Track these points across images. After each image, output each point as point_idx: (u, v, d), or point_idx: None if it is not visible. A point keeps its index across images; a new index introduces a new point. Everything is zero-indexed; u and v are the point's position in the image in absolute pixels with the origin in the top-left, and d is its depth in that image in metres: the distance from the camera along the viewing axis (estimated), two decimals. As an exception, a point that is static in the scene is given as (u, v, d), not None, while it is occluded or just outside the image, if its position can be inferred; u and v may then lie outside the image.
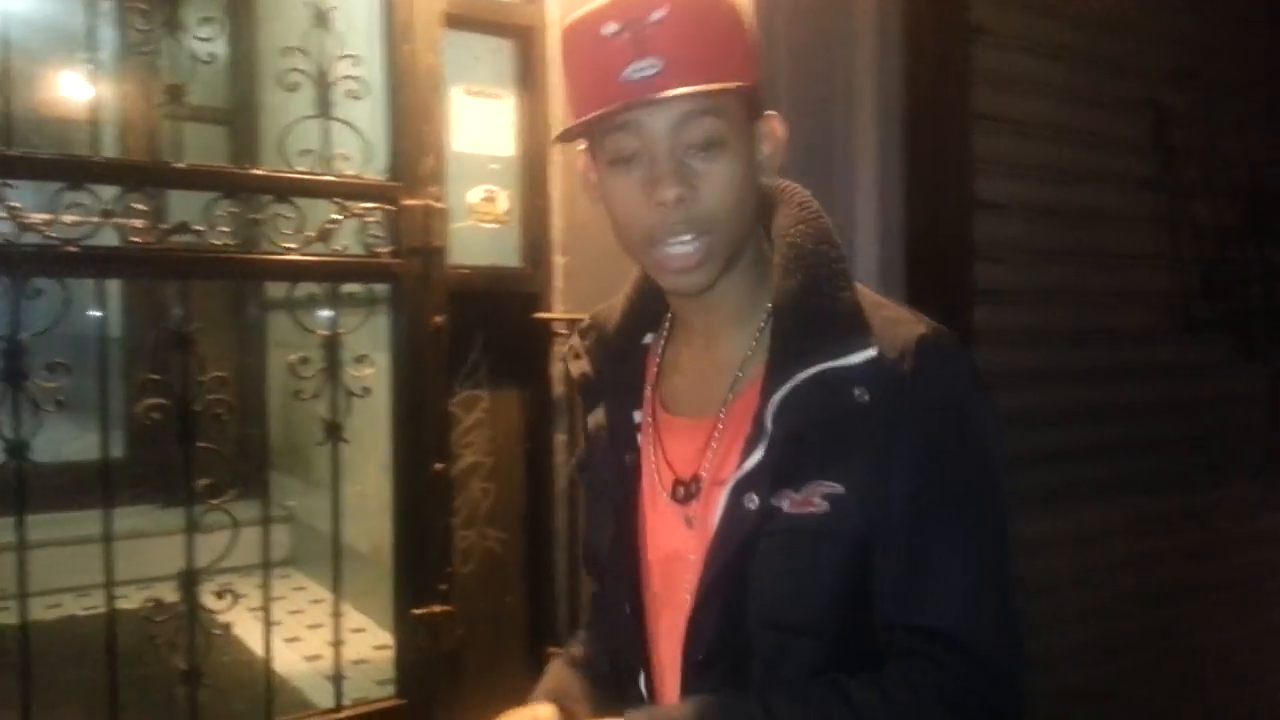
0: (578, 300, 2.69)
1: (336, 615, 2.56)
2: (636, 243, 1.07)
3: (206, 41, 2.26)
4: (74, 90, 5.54)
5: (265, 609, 2.45)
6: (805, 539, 1.01)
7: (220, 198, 2.28)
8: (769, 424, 1.03)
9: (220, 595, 2.33)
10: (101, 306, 2.48)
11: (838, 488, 1.00)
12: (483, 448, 2.68)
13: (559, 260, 2.72)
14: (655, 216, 1.03)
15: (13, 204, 2.06)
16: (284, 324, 3.69)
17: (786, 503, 1.02)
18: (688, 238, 1.03)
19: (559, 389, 2.72)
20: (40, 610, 3.99)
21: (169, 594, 2.35)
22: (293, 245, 2.35)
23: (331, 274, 2.43)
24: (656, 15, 0.99)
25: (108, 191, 2.16)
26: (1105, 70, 3.44)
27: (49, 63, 5.35)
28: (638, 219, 1.04)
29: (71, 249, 2.10)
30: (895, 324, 1.05)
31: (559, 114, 2.67)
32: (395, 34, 2.41)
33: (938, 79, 2.65)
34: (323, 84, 2.39)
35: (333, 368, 2.47)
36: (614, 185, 1.06)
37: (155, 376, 2.28)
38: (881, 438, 1.01)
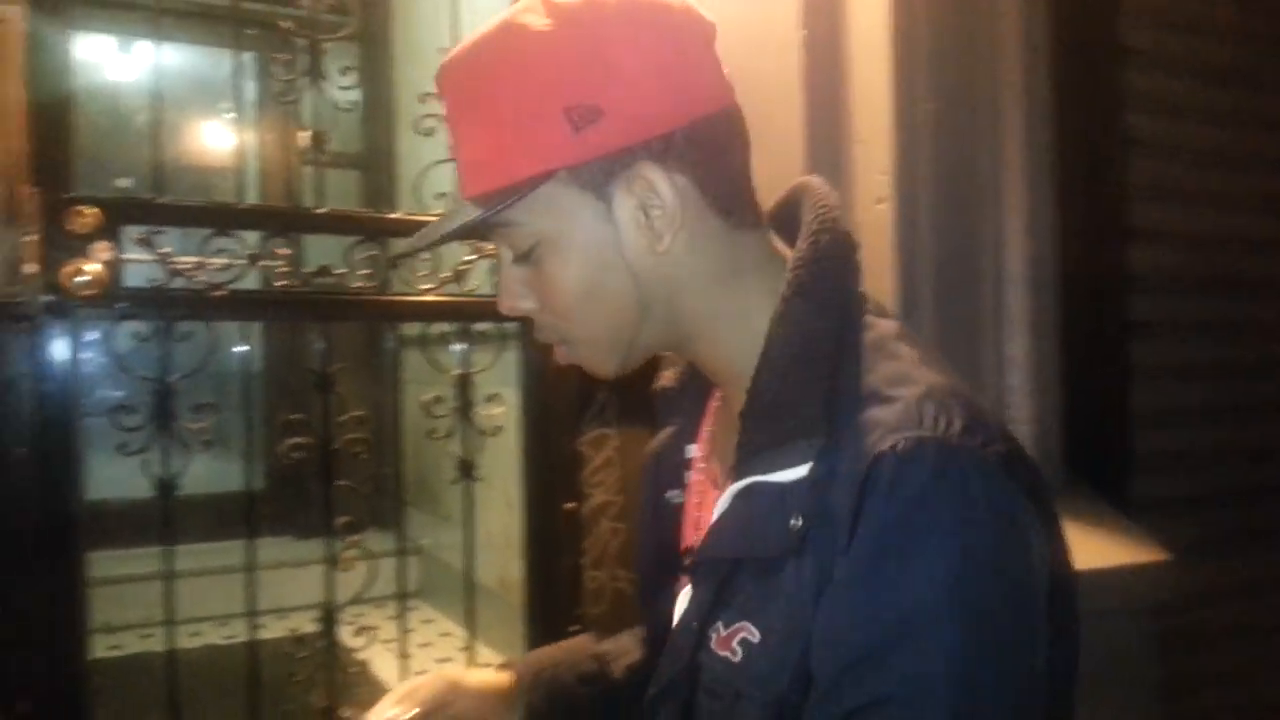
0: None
1: (469, 650, 2.55)
2: None
3: (346, 90, 2.31)
4: (217, 139, 5.82)
5: (402, 645, 2.46)
6: (726, 689, 0.84)
7: (360, 241, 2.32)
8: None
9: (359, 633, 2.35)
10: (244, 347, 2.55)
11: (754, 635, 0.82)
12: (612, 487, 2.64)
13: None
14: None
15: (163, 250, 2.13)
16: (417, 362, 3.76)
17: (714, 637, 0.85)
18: (556, 341, 0.94)
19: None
20: (184, 638, 4.13)
21: (306, 624, 2.38)
22: (428, 286, 2.37)
23: (465, 314, 2.45)
24: (446, 107, 0.90)
25: (252, 237, 2.22)
26: (1266, 91, 3.23)
27: (194, 113, 5.65)
28: None
29: (218, 293, 2.16)
30: (874, 426, 0.77)
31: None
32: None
33: (1087, 102, 2.52)
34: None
35: (465, 407, 2.48)
36: None
37: (297, 417, 2.32)
38: (810, 587, 0.77)
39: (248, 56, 5.60)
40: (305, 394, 2.36)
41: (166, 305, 2.12)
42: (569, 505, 2.50)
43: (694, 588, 0.91)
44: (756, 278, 0.92)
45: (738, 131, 0.94)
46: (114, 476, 2.51)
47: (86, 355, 2.11)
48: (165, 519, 2.15)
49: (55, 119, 2.05)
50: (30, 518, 2.00)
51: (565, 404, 2.50)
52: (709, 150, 0.89)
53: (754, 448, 0.83)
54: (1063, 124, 2.44)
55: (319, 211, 2.28)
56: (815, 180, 0.99)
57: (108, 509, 3.32)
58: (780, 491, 0.81)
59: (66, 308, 2.04)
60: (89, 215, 2.04)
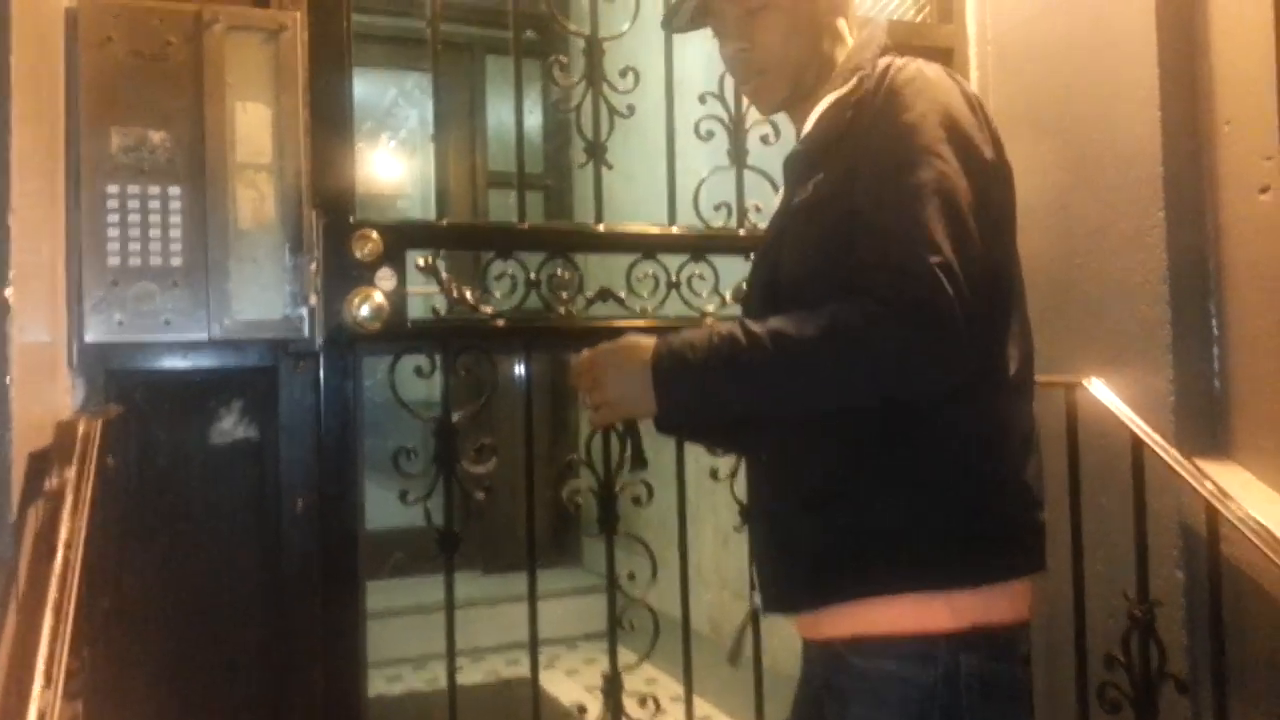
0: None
1: (688, 702, 2.25)
2: None
3: (624, 94, 2.08)
4: (385, 163, 5.75)
5: (688, 706, 2.20)
6: (801, 215, 1.26)
7: (639, 259, 2.09)
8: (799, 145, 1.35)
9: (643, 702, 2.10)
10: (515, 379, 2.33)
11: (819, 174, 1.24)
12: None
13: (985, 313, 2.37)
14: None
15: (443, 276, 1.93)
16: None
17: (797, 195, 1.28)
18: (755, 73, 1.34)
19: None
20: (381, 683, 3.97)
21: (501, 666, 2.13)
22: (709, 308, 2.13)
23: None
24: None
25: (530, 259, 2.02)
26: None
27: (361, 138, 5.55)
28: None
29: (499, 322, 1.96)
30: (885, 63, 1.25)
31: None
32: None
33: None
34: (739, 131, 2.17)
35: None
36: None
37: (577, 457, 2.09)
38: (855, 139, 1.21)
39: (419, 77, 5.53)
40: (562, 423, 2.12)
41: (449, 337, 1.92)
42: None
43: (786, 184, 1.36)
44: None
45: None
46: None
47: (365, 388, 1.93)
48: (448, 573, 1.95)
49: (336, 136, 1.87)
50: (312, 557, 1.83)
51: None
52: None
53: (834, 83, 1.29)
54: None
55: (603, 230, 2.06)
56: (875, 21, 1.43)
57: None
58: (841, 96, 1.26)
59: (347, 342, 1.86)
60: (374, 240, 1.86)
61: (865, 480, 1.18)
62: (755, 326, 1.15)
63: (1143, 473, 1.93)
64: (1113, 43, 2.07)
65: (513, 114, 2.06)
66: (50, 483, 1.25)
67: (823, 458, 1.20)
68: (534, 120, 5.14)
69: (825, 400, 1.16)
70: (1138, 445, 1.92)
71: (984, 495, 1.17)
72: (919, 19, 2.39)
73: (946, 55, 2.35)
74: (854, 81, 1.24)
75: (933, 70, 1.22)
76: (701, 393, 1.19)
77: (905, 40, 2.32)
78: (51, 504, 1.22)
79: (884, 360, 1.11)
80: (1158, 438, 1.88)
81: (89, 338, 1.70)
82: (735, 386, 1.17)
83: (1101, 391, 1.98)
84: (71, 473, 1.25)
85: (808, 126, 1.31)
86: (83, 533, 1.19)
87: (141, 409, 1.78)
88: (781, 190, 1.38)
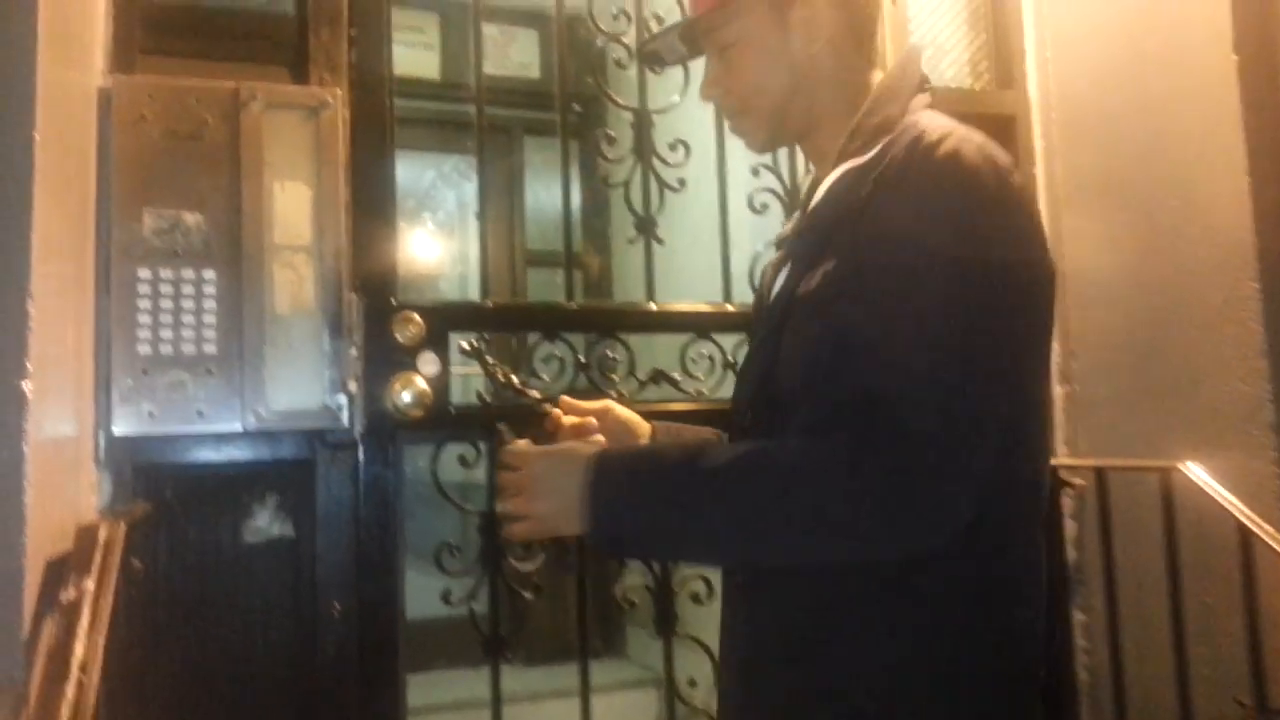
0: (1088, 439, 2.18)
1: None
2: None
3: (674, 168, 2.00)
4: (424, 244, 5.73)
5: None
6: (804, 308, 1.09)
7: (693, 339, 1.98)
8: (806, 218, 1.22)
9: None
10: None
11: (830, 263, 1.08)
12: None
13: (1058, 391, 2.23)
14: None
15: (488, 360, 1.82)
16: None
17: (804, 284, 1.11)
18: (732, 115, 1.26)
19: (1074, 553, 2.20)
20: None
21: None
22: (768, 389, 2.01)
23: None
24: None
25: (577, 340, 1.91)
26: None
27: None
28: None
29: (547, 407, 1.84)
30: (914, 129, 1.09)
31: (1056, 214, 2.24)
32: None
33: None
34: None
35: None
36: None
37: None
38: (871, 223, 1.06)
39: (457, 160, 5.58)
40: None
41: (489, 422, 1.80)
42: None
43: (792, 263, 1.18)
44: (860, 90, 1.20)
45: None
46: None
47: (404, 476, 1.81)
48: (495, 682, 1.81)
49: (377, 215, 1.78)
50: (349, 664, 1.69)
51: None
52: None
53: (848, 153, 1.14)
54: None
55: (654, 308, 1.95)
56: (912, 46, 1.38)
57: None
58: (859, 168, 1.12)
59: (388, 431, 1.74)
60: (416, 323, 1.76)
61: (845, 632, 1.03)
62: (712, 459, 1.02)
63: (1253, 565, 1.77)
64: (1191, 106, 1.96)
65: (550, 194, 1.97)
66: (66, 595, 1.13)
67: (796, 596, 1.05)
68: (574, 198, 5.10)
69: (781, 561, 1.04)
70: (1245, 534, 1.75)
71: (987, 651, 1.02)
72: (977, 86, 2.29)
73: (1008, 123, 2.25)
74: (875, 151, 1.11)
75: (971, 149, 1.04)
76: (637, 528, 1.05)
77: (964, 108, 2.22)
78: (67, 619, 1.10)
79: (855, 531, 0.96)
80: (1268, 528, 1.72)
81: (117, 430, 1.60)
82: (679, 530, 1.03)
83: (1200, 476, 1.83)
84: (90, 584, 1.14)
85: (819, 195, 1.19)
86: (100, 651, 1.06)
87: (171, 506, 1.67)
88: (788, 265, 1.19)
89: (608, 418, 1.34)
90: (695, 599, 1.91)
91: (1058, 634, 2.20)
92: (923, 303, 0.97)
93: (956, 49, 2.28)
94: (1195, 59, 1.96)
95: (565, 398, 1.37)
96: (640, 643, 4.65)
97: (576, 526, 1.05)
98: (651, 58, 1.41)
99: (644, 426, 1.35)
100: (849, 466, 0.94)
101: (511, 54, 4.76)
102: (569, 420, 1.33)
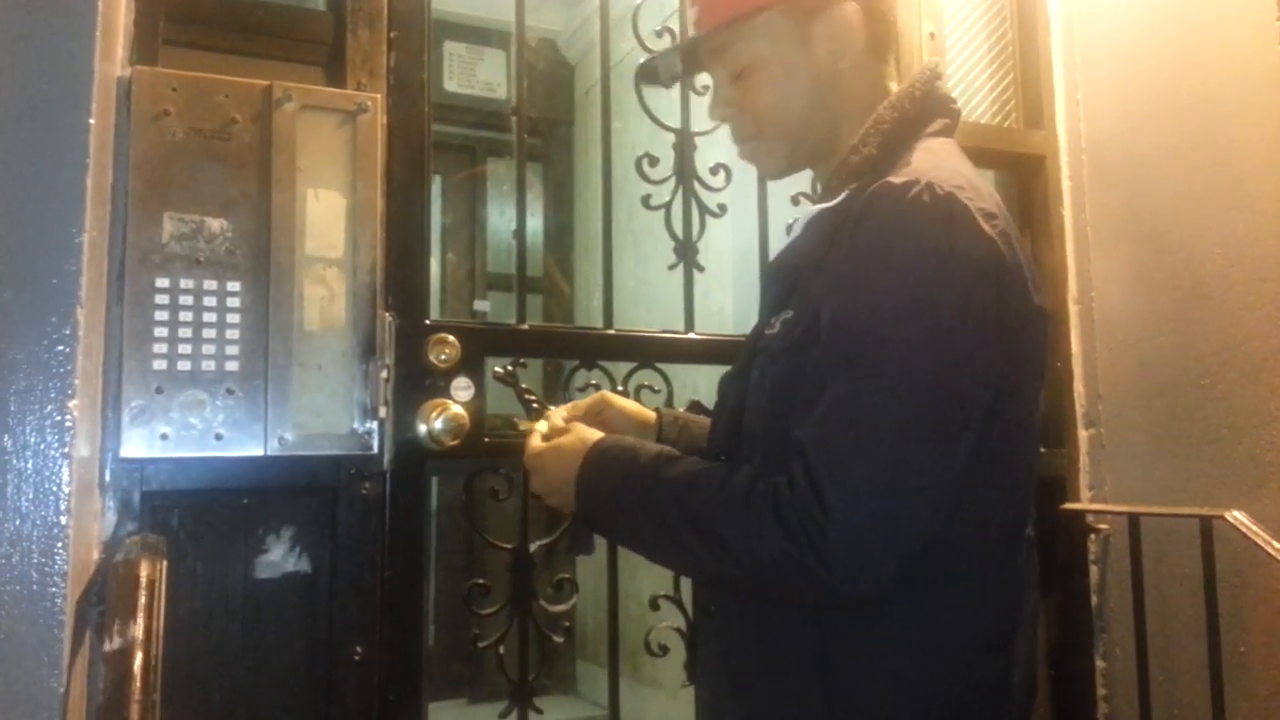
0: (1114, 483, 2.15)
1: None
2: None
3: (717, 192, 1.92)
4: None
5: None
6: (768, 353, 1.10)
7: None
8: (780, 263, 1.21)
9: None
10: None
11: (789, 314, 1.09)
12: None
13: (1083, 434, 2.20)
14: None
15: (523, 387, 1.72)
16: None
17: (768, 328, 1.13)
18: (746, 140, 1.22)
19: (1096, 599, 2.16)
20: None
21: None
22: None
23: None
24: None
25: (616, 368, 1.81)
26: None
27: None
28: None
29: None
30: (889, 173, 1.06)
31: (1084, 257, 2.22)
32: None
33: None
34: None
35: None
36: None
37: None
38: (822, 277, 1.05)
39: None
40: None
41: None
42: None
43: (761, 304, 1.22)
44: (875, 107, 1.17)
45: None
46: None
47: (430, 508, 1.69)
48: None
49: (413, 228, 1.67)
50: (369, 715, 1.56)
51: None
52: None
53: (829, 190, 1.14)
54: None
55: (695, 337, 1.86)
56: (932, 62, 1.25)
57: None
58: (831, 210, 1.12)
59: (418, 459, 1.62)
60: (451, 345, 1.64)
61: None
62: (673, 467, 1.09)
63: (1302, 618, 1.74)
64: (1232, 150, 1.95)
65: (507, 218, 1.87)
66: (111, 644, 0.99)
67: (743, 631, 1.11)
68: (535, 223, 5.04)
69: (695, 575, 1.21)
70: (1295, 586, 1.73)
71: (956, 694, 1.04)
72: (1005, 124, 2.27)
73: (1038, 163, 2.23)
74: (844, 196, 1.10)
75: (931, 199, 1.00)
76: (603, 512, 1.17)
77: (992, 145, 2.20)
78: (117, 673, 0.96)
79: (749, 570, 1.01)
80: (1322, 579, 1.70)
81: (125, 453, 1.45)
82: (625, 523, 1.14)
83: (1246, 524, 1.80)
84: (138, 630, 1.00)
85: (795, 232, 1.19)
86: (158, 711, 0.93)
87: (179, 537, 1.52)
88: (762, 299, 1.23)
89: (607, 411, 1.42)
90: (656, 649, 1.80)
91: (1077, 679, 2.16)
92: (866, 379, 0.97)
93: (985, 87, 2.26)
94: (1236, 99, 1.95)
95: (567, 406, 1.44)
96: (589, 676, 4.53)
97: (570, 504, 1.19)
98: (646, 76, 1.34)
99: (646, 415, 1.42)
100: (770, 510, 0.98)
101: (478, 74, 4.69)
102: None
